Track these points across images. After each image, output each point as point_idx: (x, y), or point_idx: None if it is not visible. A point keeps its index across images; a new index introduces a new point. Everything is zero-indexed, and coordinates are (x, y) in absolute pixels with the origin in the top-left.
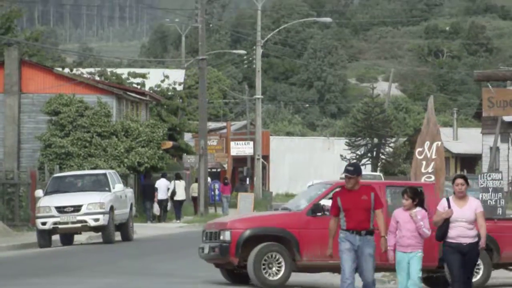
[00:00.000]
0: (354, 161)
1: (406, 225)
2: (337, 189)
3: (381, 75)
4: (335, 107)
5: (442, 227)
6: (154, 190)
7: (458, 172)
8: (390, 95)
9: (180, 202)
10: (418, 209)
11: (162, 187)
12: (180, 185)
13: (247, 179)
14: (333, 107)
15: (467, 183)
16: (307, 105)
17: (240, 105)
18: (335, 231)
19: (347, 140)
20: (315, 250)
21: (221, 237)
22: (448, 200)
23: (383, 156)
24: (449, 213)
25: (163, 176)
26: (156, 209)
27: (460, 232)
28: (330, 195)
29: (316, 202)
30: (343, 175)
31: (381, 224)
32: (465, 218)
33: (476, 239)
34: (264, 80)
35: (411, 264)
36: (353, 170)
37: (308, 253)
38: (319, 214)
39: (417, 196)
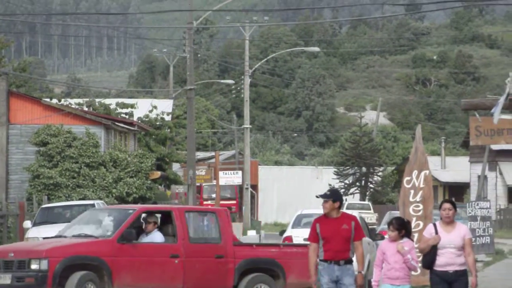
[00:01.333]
0: (342, 189)
1: (393, 257)
2: (301, 221)
3: (369, 104)
4: (324, 136)
5: (429, 254)
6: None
7: None
8: (378, 124)
9: None
10: (405, 240)
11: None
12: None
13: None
14: (321, 136)
15: (455, 208)
16: (296, 134)
17: (228, 135)
18: (314, 259)
19: (336, 169)
20: (127, 278)
21: (34, 266)
22: (435, 225)
23: (371, 185)
24: (437, 239)
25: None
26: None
27: (448, 259)
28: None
29: (125, 228)
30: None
31: (359, 258)
32: (453, 244)
33: (464, 267)
34: (253, 110)
35: None
36: (328, 195)
37: (119, 282)
38: (131, 241)
39: (403, 227)
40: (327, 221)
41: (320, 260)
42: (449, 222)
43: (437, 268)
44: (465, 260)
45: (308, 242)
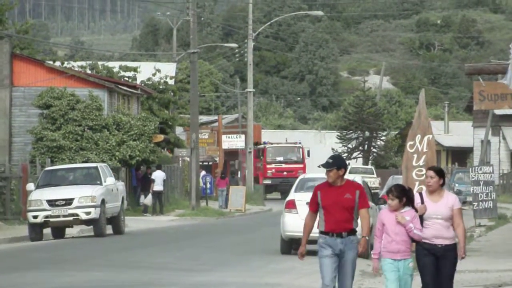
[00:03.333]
0: (345, 153)
1: (394, 228)
2: (321, 183)
3: (372, 68)
4: (327, 101)
5: None
6: (152, 181)
7: (449, 166)
8: (382, 89)
9: (158, 193)
10: (407, 209)
11: (159, 178)
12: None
13: (239, 172)
14: (324, 100)
15: (442, 177)
16: (299, 98)
17: (231, 99)
18: (310, 227)
19: (339, 134)
20: None
21: None
22: (420, 195)
23: (374, 150)
24: (422, 209)
25: (158, 167)
26: (147, 200)
27: (436, 232)
28: None
29: None
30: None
31: (365, 224)
32: (440, 215)
33: (454, 241)
34: (256, 74)
35: (403, 277)
36: (331, 163)
37: None
38: None
39: (404, 195)
40: (330, 189)
41: (321, 232)
42: (433, 190)
43: (425, 240)
44: (453, 234)
45: None
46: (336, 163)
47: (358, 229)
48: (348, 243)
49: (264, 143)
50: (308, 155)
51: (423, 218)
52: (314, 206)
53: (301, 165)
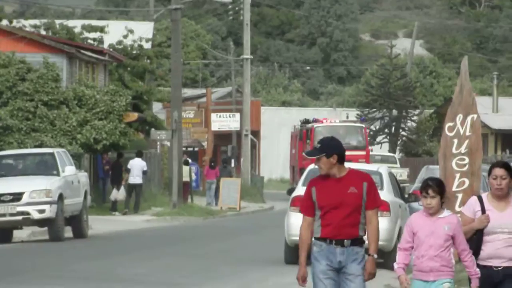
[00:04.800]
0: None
1: (428, 239)
2: (315, 176)
3: (402, 29)
4: (344, 70)
5: (472, 244)
6: (124, 171)
7: (499, 153)
8: (414, 55)
9: (134, 187)
10: (447, 213)
11: (137, 168)
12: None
13: (232, 160)
14: (341, 70)
15: (511, 175)
16: (308, 67)
17: (223, 67)
18: (308, 241)
19: (359, 112)
20: None
21: None
22: (480, 199)
23: (403, 133)
24: (484, 221)
25: (139, 155)
26: (121, 195)
27: (496, 251)
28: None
29: None
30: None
31: (373, 235)
32: (508, 228)
33: None
34: (254, 36)
35: None
36: (318, 149)
37: None
38: None
39: (444, 191)
40: (327, 183)
41: (316, 239)
42: (502, 195)
43: (480, 262)
44: None
45: None
46: (325, 148)
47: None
48: (350, 255)
49: (313, 120)
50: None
51: (483, 232)
52: (309, 208)
53: (363, 152)
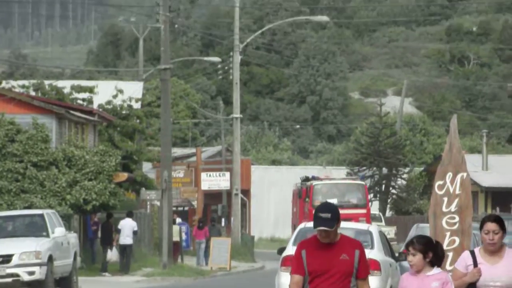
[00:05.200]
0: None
1: None
2: (306, 238)
3: (391, 87)
4: (334, 129)
5: None
6: (114, 231)
7: (489, 211)
8: (403, 113)
9: (125, 247)
10: (436, 271)
11: (127, 229)
12: (127, 225)
13: (223, 219)
14: (330, 128)
15: (503, 229)
16: (298, 126)
17: (213, 127)
18: None
19: (349, 170)
20: None
21: None
22: (473, 254)
23: (394, 191)
24: (476, 274)
25: (129, 215)
26: (115, 256)
27: None
28: None
29: None
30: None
31: None
32: (500, 281)
33: None
34: (244, 95)
35: None
36: (331, 219)
37: None
38: None
39: (430, 249)
40: (319, 248)
41: None
42: (495, 250)
43: None
44: None
45: None
46: (337, 215)
47: None
48: None
49: (312, 177)
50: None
51: (476, 286)
52: (300, 268)
53: (364, 210)
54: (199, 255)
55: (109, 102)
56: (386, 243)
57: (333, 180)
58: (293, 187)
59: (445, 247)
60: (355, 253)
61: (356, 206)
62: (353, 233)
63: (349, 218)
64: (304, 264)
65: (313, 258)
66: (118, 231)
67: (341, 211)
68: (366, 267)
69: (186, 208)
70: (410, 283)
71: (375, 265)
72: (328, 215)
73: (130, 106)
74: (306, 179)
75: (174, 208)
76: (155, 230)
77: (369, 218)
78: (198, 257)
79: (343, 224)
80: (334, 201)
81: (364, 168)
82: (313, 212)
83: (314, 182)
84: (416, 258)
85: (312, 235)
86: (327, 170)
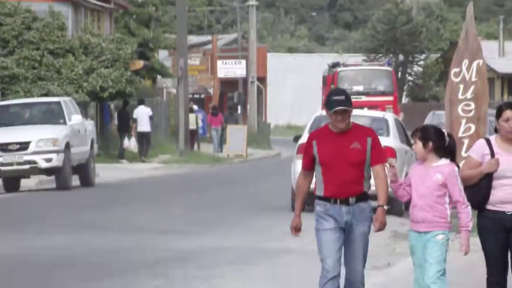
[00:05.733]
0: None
1: (419, 188)
2: (315, 129)
3: None
4: (350, 16)
5: (481, 188)
6: (132, 121)
7: (506, 98)
8: (419, 0)
9: (143, 135)
10: (443, 161)
11: (143, 116)
12: (143, 113)
13: (239, 107)
14: (347, 15)
15: None
16: (314, 13)
17: (229, 14)
18: (304, 191)
19: (365, 57)
20: None
21: None
22: (489, 142)
23: (410, 78)
24: (493, 165)
25: (140, 103)
26: (132, 144)
27: (508, 195)
28: None
29: None
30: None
31: (383, 188)
32: None
33: None
34: None
35: (427, 251)
36: (345, 99)
37: None
38: None
39: (430, 138)
40: (330, 137)
41: (319, 199)
42: None
43: (490, 207)
44: None
45: None
46: (350, 99)
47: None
48: (357, 213)
49: (336, 64)
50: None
51: (492, 176)
52: (308, 161)
53: (391, 97)
54: (214, 142)
55: None
56: (402, 130)
57: (359, 66)
58: (325, 73)
59: (460, 134)
60: (367, 140)
61: (383, 93)
62: (368, 121)
63: (375, 106)
64: (315, 156)
65: (324, 147)
66: (135, 121)
67: (368, 99)
68: (379, 154)
69: (202, 96)
70: (415, 172)
71: (391, 152)
72: (342, 97)
73: None
74: (333, 65)
75: (190, 96)
76: (171, 118)
77: (397, 106)
78: (214, 144)
79: (356, 111)
80: (360, 88)
81: (381, 55)
82: (326, 99)
83: (339, 69)
84: (417, 146)
85: (322, 126)
86: (343, 58)
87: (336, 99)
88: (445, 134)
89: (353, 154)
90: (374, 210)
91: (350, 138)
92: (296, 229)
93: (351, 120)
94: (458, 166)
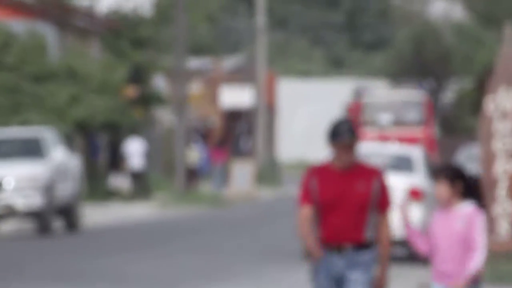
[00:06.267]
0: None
1: (444, 238)
2: (319, 165)
3: None
4: (372, 36)
5: None
6: (123, 156)
7: None
8: (452, 18)
9: (136, 173)
10: (466, 205)
11: (136, 151)
12: (135, 149)
13: (245, 140)
14: (368, 35)
15: None
16: (331, 32)
17: (234, 34)
18: (310, 229)
19: (391, 83)
20: None
21: None
22: None
23: (440, 106)
24: None
25: (134, 135)
26: (124, 183)
27: None
28: None
29: None
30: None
31: (385, 241)
32: None
33: None
34: None
35: None
36: (350, 129)
37: None
38: None
39: (460, 178)
40: (332, 174)
41: None
42: None
43: None
44: None
45: None
46: (355, 129)
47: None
48: (352, 263)
49: (361, 90)
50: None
51: None
52: (309, 196)
53: (424, 129)
54: (216, 179)
55: (116, 7)
56: (431, 167)
57: (388, 92)
58: (344, 101)
59: (497, 172)
60: (374, 183)
61: (414, 125)
62: (393, 156)
63: (406, 139)
64: (314, 192)
65: (325, 185)
66: (126, 156)
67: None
68: (386, 200)
69: (204, 127)
70: (437, 219)
71: (418, 193)
72: (346, 126)
73: (140, 12)
74: (358, 91)
75: (190, 128)
76: (168, 153)
77: (433, 142)
78: (216, 182)
79: (376, 148)
80: (387, 117)
81: (407, 79)
82: (329, 129)
83: (363, 94)
84: (442, 187)
85: (324, 163)
86: (364, 84)
87: (340, 129)
88: (471, 173)
89: (357, 195)
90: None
91: (354, 177)
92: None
93: (374, 156)
94: (484, 209)
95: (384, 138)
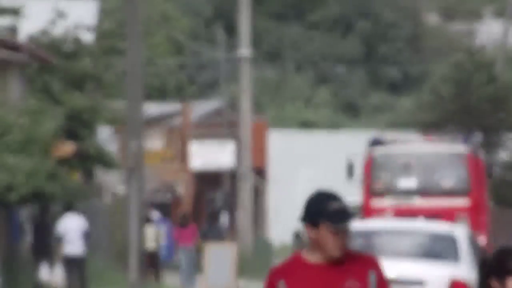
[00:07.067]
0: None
1: None
2: (284, 263)
3: (488, 6)
4: (397, 72)
5: None
6: (56, 239)
7: None
8: (508, 47)
9: (74, 261)
10: None
11: (74, 232)
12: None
13: (223, 215)
14: (393, 70)
15: None
16: (342, 66)
17: (209, 69)
18: None
19: (422, 134)
20: None
21: None
22: None
23: (494, 168)
24: None
25: (71, 210)
26: (56, 276)
27: None
28: None
29: None
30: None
31: None
32: None
33: None
34: (257, 18)
35: None
36: (347, 209)
37: None
38: None
39: None
40: (310, 273)
41: None
42: None
43: None
44: None
45: None
46: (349, 208)
47: None
48: None
49: (378, 141)
50: (351, 174)
51: None
52: None
53: (466, 200)
54: (183, 269)
55: (44, 32)
56: (478, 252)
57: (410, 144)
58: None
59: None
60: (369, 276)
61: (452, 193)
62: (423, 239)
63: (439, 214)
64: None
65: (304, 286)
66: (60, 239)
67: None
68: None
69: (167, 197)
70: None
71: None
72: (342, 204)
73: (77, 39)
74: (373, 143)
75: (148, 198)
76: (118, 233)
77: (482, 217)
78: (183, 273)
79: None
80: (411, 182)
81: (448, 131)
82: (314, 205)
83: (376, 149)
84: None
85: (292, 255)
86: (386, 135)
87: (336, 207)
88: None
89: None
90: None
91: (343, 272)
92: None
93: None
94: None
95: (407, 213)
